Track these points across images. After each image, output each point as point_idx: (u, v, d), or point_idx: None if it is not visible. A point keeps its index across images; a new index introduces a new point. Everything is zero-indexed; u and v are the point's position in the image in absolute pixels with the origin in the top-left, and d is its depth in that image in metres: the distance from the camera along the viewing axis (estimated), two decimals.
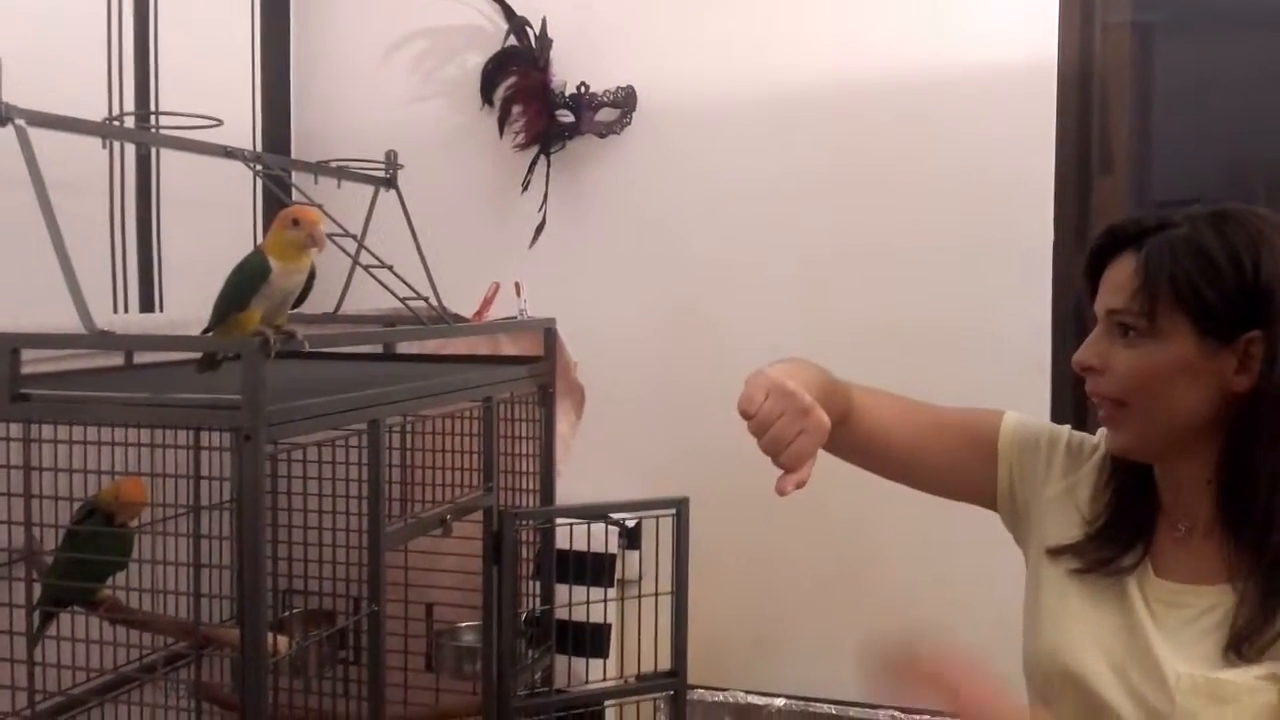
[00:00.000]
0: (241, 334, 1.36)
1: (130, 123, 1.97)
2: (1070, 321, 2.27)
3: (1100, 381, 1.09)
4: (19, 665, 1.39)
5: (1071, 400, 2.25)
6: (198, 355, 1.46)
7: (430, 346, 2.19)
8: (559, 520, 2.03)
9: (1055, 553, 1.16)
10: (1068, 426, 1.25)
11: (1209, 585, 1.06)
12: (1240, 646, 1.02)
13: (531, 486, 2.10)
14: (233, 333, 1.38)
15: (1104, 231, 1.12)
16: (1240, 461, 1.05)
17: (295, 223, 1.39)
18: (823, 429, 1.06)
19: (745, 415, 1.05)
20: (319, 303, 2.14)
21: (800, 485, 1.04)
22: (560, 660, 2.13)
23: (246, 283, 1.37)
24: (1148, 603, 1.09)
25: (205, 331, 1.44)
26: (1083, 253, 1.14)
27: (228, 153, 1.71)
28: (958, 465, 1.25)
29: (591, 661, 2.21)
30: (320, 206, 1.70)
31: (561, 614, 2.08)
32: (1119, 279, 1.08)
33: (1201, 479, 1.08)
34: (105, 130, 1.60)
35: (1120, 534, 1.13)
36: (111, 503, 1.45)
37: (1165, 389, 1.05)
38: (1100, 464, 1.19)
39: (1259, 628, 1.02)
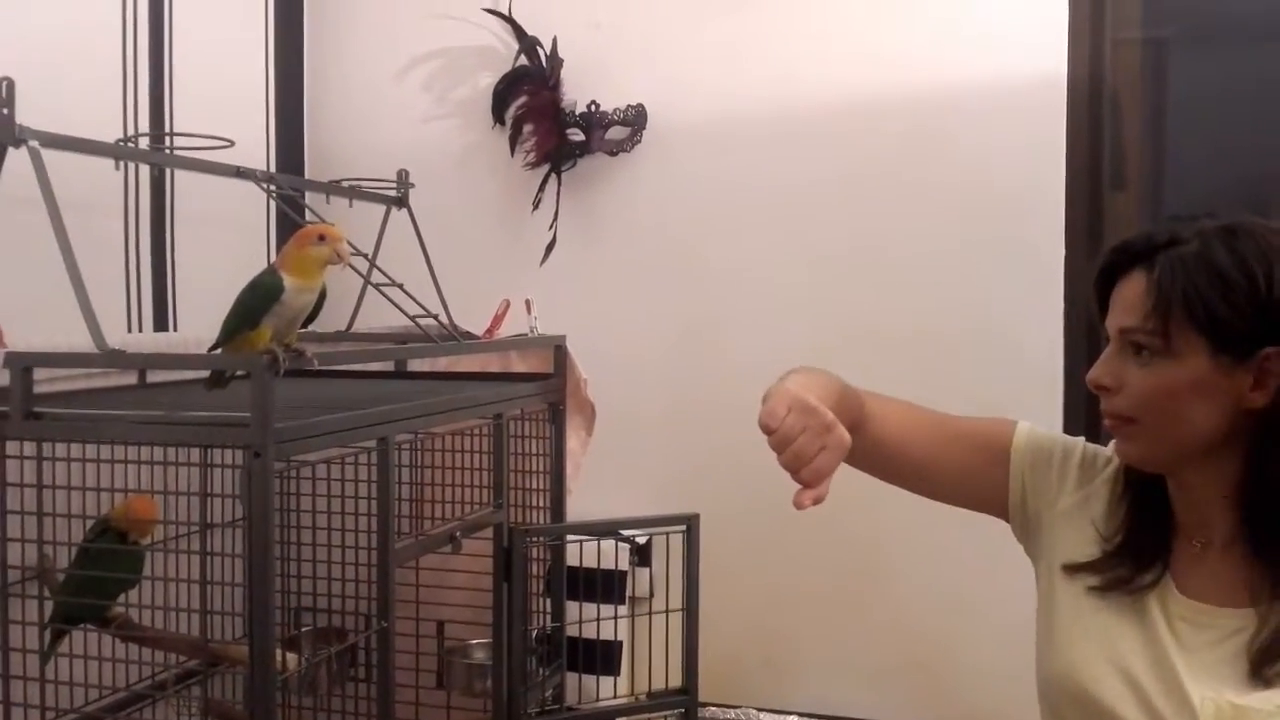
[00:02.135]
0: (251, 352, 1.36)
1: (144, 144, 1.99)
2: (1083, 334, 2.27)
3: (1115, 401, 1.09)
4: (31, 683, 1.39)
5: (1084, 412, 2.24)
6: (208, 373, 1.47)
7: (441, 364, 2.19)
8: (569, 537, 2.03)
9: (1072, 570, 1.15)
10: (1082, 439, 1.24)
11: (1234, 608, 1.05)
12: (1263, 671, 1.01)
13: (542, 503, 2.10)
14: (242, 350, 1.38)
15: (1113, 249, 1.11)
16: (1263, 479, 1.04)
17: (320, 239, 1.40)
18: (844, 445, 1.05)
19: (767, 430, 1.04)
20: (331, 321, 2.15)
21: (818, 501, 1.03)
22: (571, 678, 2.13)
23: (259, 301, 1.38)
24: (1170, 621, 1.08)
25: (213, 349, 1.45)
26: (1094, 267, 1.14)
27: (240, 173, 1.72)
28: (969, 474, 1.25)
29: (602, 679, 2.20)
30: (332, 224, 1.71)
31: (572, 631, 2.08)
32: (1131, 297, 1.07)
33: (1218, 494, 1.08)
34: (118, 151, 1.62)
35: (1139, 551, 1.12)
36: (122, 520, 1.46)
37: (1180, 407, 1.05)
38: (1114, 477, 1.18)
39: None
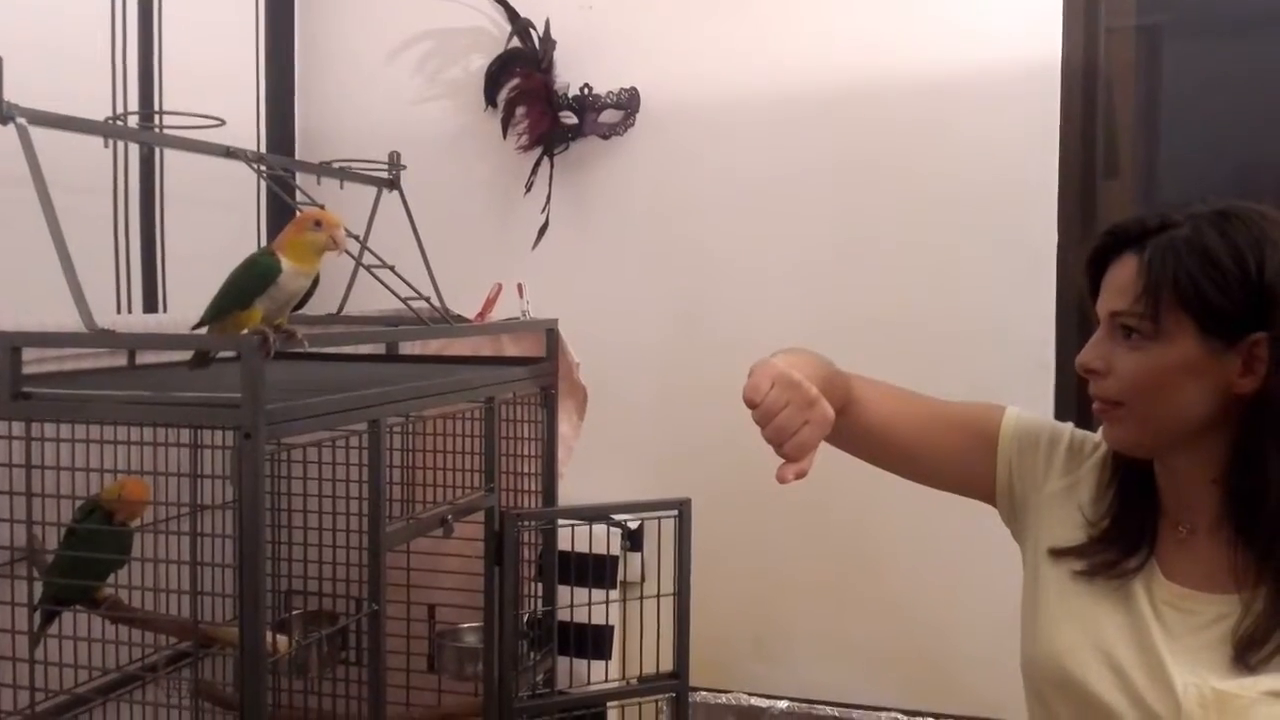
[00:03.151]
0: (240, 332, 1.35)
1: (133, 122, 1.98)
2: (1075, 321, 2.27)
3: (1104, 384, 1.09)
4: (20, 664, 1.39)
5: (1076, 399, 2.24)
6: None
7: (433, 347, 2.19)
8: (561, 521, 2.03)
9: (1058, 554, 1.15)
10: (1070, 424, 1.24)
11: (1219, 594, 1.06)
12: (1247, 657, 1.01)
13: (533, 487, 2.09)
14: (229, 330, 1.37)
15: (1105, 232, 1.11)
16: (1249, 464, 1.04)
17: (317, 224, 1.39)
18: (827, 421, 1.05)
19: (750, 404, 1.04)
20: (322, 303, 2.14)
21: (801, 476, 1.04)
22: (562, 662, 2.13)
23: (255, 281, 1.37)
24: (1154, 605, 1.08)
25: (198, 326, 1.44)
26: (1085, 250, 1.13)
27: (230, 153, 1.71)
28: (956, 458, 1.25)
29: (593, 663, 2.21)
30: (323, 206, 1.70)
31: (563, 615, 2.08)
32: (1121, 280, 1.07)
33: (1204, 479, 1.08)
34: (108, 130, 1.60)
35: (1125, 536, 1.12)
36: (115, 501, 1.45)
37: (1168, 391, 1.04)
38: (1101, 463, 1.18)
39: (1265, 638, 1.01)
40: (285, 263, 1.37)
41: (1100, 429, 1.16)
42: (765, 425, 1.04)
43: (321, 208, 1.68)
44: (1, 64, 1.37)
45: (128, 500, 1.45)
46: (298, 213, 1.64)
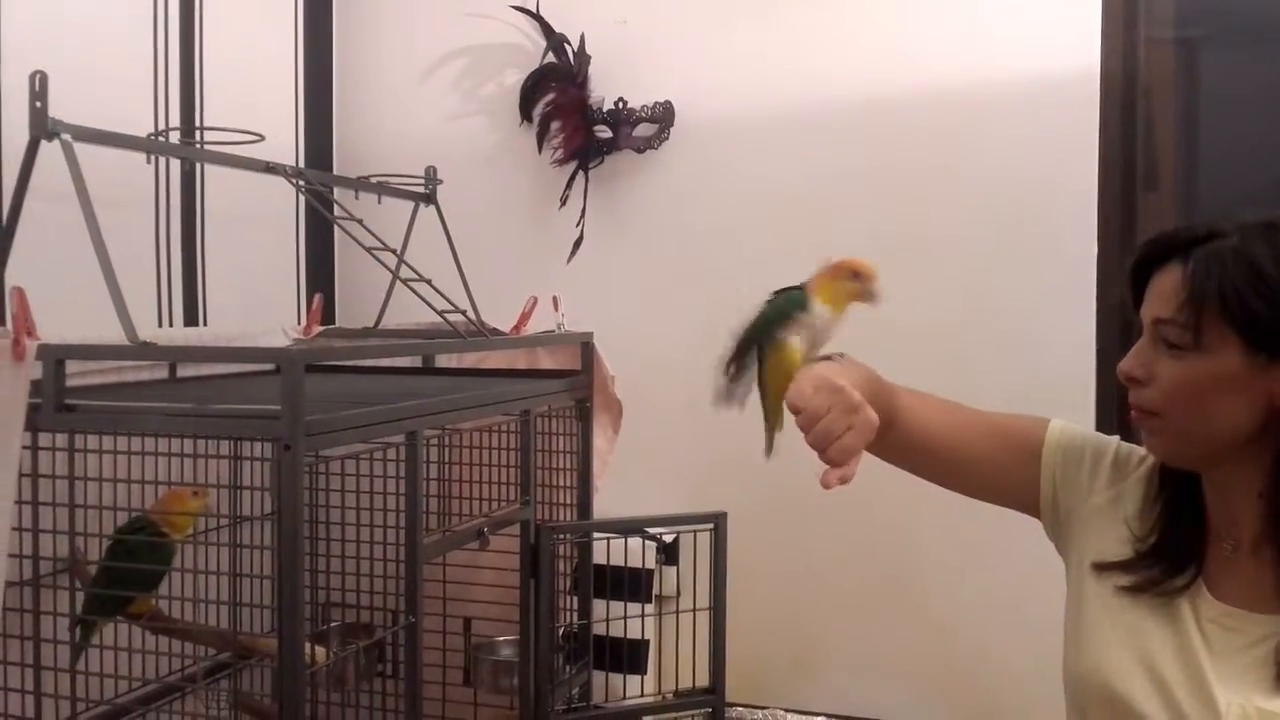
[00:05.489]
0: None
1: (175, 138, 2.00)
2: (1116, 333, 2.25)
3: (1143, 393, 1.08)
4: (62, 674, 1.40)
5: (1117, 411, 2.22)
6: (239, 367, 1.47)
7: (469, 360, 2.19)
8: (596, 535, 2.02)
9: (1103, 569, 1.14)
10: (1116, 437, 1.23)
11: (1265, 614, 1.04)
12: None
13: (569, 500, 2.09)
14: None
15: (1151, 240, 1.10)
16: None
17: (855, 275, 1.35)
18: (871, 426, 1.05)
19: (794, 409, 1.04)
20: (359, 317, 2.16)
21: (845, 481, 1.03)
22: (598, 676, 2.12)
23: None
24: (1200, 623, 1.07)
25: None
26: (1127, 264, 1.12)
27: (269, 168, 1.73)
28: (1000, 470, 1.24)
29: (629, 677, 2.20)
30: (360, 221, 1.72)
31: (599, 629, 2.07)
32: (1166, 289, 1.06)
33: (1251, 492, 1.06)
34: (150, 145, 1.63)
35: (1172, 553, 1.11)
36: (199, 510, 1.46)
37: (1209, 402, 1.03)
38: (1147, 476, 1.17)
39: None
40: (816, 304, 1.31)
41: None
42: (808, 430, 1.04)
43: (360, 221, 1.70)
44: (47, 81, 1.39)
45: (208, 508, 1.46)
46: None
